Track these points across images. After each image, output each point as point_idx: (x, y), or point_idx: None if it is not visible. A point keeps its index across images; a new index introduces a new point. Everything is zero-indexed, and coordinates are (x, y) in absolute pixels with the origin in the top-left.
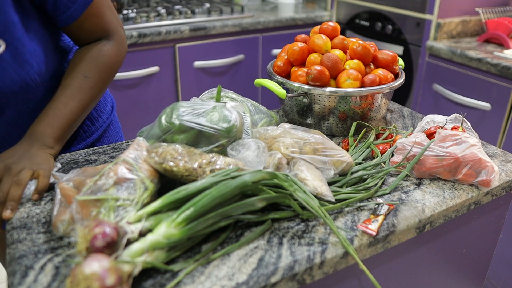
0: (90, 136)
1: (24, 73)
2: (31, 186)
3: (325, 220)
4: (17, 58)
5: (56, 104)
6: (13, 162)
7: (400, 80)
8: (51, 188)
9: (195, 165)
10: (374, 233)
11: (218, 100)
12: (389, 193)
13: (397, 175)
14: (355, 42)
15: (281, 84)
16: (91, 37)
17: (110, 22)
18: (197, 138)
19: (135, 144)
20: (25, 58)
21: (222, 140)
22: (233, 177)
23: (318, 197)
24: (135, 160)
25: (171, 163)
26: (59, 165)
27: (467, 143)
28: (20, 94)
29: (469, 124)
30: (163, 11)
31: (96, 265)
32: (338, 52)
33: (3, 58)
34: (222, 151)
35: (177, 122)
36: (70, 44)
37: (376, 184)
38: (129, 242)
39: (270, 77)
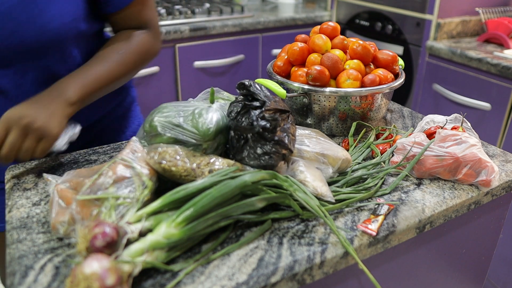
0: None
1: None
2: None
3: (325, 220)
4: None
5: (86, 67)
6: (29, 116)
7: (400, 80)
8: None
9: (194, 166)
10: (374, 233)
11: (212, 101)
12: (389, 193)
13: (397, 175)
14: (355, 42)
15: (281, 84)
16: (132, 25)
17: (152, 14)
18: (178, 141)
19: (132, 144)
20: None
21: (204, 144)
22: (233, 177)
23: (318, 197)
24: (133, 159)
25: (170, 163)
26: (78, 128)
27: (467, 143)
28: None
29: (469, 124)
30: (163, 11)
31: (96, 265)
32: (338, 52)
33: None
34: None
35: (156, 125)
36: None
37: (376, 184)
38: (129, 242)
39: (270, 77)
